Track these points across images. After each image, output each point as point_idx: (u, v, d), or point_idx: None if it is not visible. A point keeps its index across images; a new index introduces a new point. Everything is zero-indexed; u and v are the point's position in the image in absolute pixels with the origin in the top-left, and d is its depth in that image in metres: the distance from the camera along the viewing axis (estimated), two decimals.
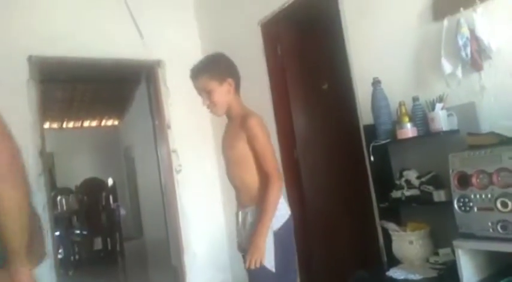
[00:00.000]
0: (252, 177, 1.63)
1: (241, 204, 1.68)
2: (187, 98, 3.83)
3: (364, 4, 2.46)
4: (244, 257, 1.71)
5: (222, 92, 1.67)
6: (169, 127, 3.76)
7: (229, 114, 1.73)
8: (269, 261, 1.54)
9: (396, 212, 2.26)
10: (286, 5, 2.97)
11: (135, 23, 3.61)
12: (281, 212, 1.61)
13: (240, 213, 1.67)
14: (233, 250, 3.79)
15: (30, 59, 3.18)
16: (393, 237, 2.12)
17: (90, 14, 3.48)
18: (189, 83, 3.88)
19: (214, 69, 1.69)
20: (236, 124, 1.66)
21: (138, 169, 7.85)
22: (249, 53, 3.24)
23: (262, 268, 1.53)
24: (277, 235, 1.57)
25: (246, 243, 1.60)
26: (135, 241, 7.48)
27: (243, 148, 1.61)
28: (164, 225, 4.80)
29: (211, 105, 1.68)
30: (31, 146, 3.11)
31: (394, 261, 2.12)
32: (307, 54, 3.23)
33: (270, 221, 1.55)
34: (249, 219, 1.62)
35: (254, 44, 3.26)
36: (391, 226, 2.13)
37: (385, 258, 2.26)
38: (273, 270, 1.54)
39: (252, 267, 1.52)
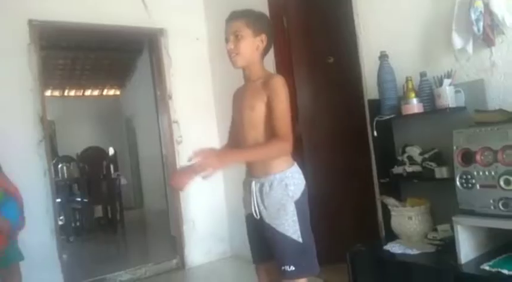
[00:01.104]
0: None
1: (253, 174, 1.60)
2: (189, 68, 3.81)
3: None
4: (249, 223, 1.67)
5: (252, 44, 1.58)
6: (170, 98, 3.73)
7: (248, 75, 1.64)
8: (295, 231, 1.51)
9: (397, 187, 2.26)
10: None
11: None
12: (299, 180, 1.56)
13: (253, 182, 1.58)
14: (232, 221, 3.84)
15: (30, 23, 3.11)
16: (392, 213, 2.12)
17: None
18: (192, 54, 3.82)
19: (254, 20, 1.61)
20: (256, 85, 1.57)
21: (139, 139, 7.86)
22: None
23: (290, 240, 1.50)
24: (298, 204, 1.53)
25: (264, 212, 1.54)
26: (135, 211, 7.56)
27: (263, 110, 1.54)
28: (164, 196, 4.84)
29: (234, 52, 1.58)
30: (31, 112, 3.10)
31: (392, 237, 2.14)
32: (313, 26, 3.15)
33: (247, 159, 1.55)
34: (266, 190, 1.54)
35: None
36: (390, 201, 2.13)
37: (383, 233, 2.27)
38: (300, 240, 1.51)
39: (198, 168, 1.37)
